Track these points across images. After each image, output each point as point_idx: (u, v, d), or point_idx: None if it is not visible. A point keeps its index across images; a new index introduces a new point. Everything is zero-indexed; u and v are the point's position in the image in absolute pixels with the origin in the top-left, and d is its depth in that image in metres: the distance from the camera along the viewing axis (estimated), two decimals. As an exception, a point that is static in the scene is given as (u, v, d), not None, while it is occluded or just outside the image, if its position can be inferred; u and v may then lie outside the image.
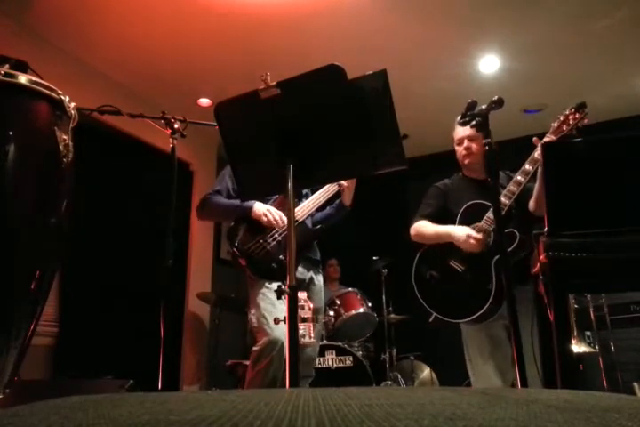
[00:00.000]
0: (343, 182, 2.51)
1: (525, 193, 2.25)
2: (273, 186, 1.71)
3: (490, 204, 2.21)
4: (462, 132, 2.41)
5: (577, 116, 2.17)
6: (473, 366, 2.30)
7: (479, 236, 2.23)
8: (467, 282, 2.29)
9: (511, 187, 2.22)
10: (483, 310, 2.17)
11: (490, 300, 2.17)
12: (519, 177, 2.22)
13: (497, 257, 2.20)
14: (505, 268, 1.83)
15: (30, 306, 1.39)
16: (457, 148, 2.51)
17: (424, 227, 2.43)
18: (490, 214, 2.23)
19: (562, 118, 2.20)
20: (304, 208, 2.47)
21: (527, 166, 2.22)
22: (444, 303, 2.32)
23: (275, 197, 2.51)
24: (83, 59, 3.86)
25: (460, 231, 2.29)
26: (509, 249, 2.15)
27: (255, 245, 2.37)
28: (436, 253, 2.41)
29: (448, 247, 2.35)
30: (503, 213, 2.15)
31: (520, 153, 2.59)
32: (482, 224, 2.26)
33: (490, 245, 2.26)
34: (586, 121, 2.18)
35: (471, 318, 2.20)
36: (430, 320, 2.34)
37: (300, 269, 2.43)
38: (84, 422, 0.43)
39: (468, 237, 2.24)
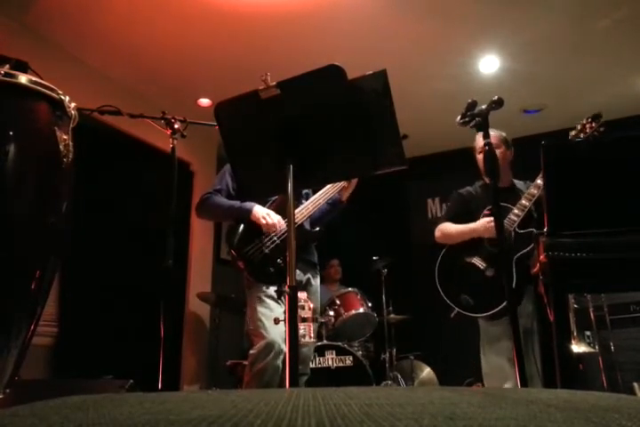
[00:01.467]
0: None
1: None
2: (273, 186, 1.71)
3: (511, 206, 2.34)
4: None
5: (593, 125, 2.30)
6: (487, 359, 2.39)
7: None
8: (488, 279, 2.37)
9: (532, 190, 2.33)
10: (502, 306, 2.24)
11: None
12: (539, 180, 2.31)
13: (518, 255, 2.30)
14: (505, 267, 1.85)
15: (30, 306, 1.39)
16: (479, 156, 2.56)
17: (448, 227, 2.58)
18: (512, 216, 2.33)
19: (579, 127, 2.33)
20: (303, 210, 2.46)
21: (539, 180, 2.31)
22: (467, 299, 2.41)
23: (274, 197, 2.50)
24: (83, 59, 3.86)
25: (479, 222, 2.44)
26: (528, 248, 2.27)
27: (253, 248, 2.36)
28: (458, 251, 2.52)
29: (471, 246, 2.46)
30: (523, 214, 2.32)
31: (520, 153, 2.60)
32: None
33: (512, 241, 2.35)
34: (602, 130, 2.27)
35: (491, 312, 2.29)
36: (452, 316, 2.44)
37: (296, 271, 2.42)
38: (84, 422, 0.43)
39: (488, 222, 2.36)
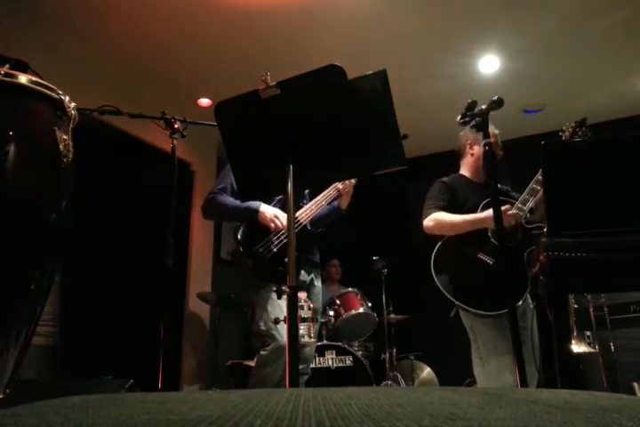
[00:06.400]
0: (340, 186, 2.50)
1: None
2: (273, 186, 1.70)
3: (509, 199, 2.33)
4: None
5: (584, 129, 2.34)
6: (484, 362, 2.27)
7: (511, 210, 2.27)
8: (496, 275, 2.24)
9: (534, 185, 2.30)
10: (519, 302, 2.17)
11: (527, 291, 2.19)
12: (540, 177, 2.27)
13: (529, 249, 2.24)
14: (504, 265, 1.84)
15: (30, 306, 1.39)
16: (473, 151, 2.56)
17: (446, 216, 2.39)
18: (518, 204, 2.30)
19: (570, 131, 2.35)
20: (307, 211, 2.45)
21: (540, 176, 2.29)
22: (473, 296, 2.28)
23: (279, 197, 2.49)
24: (83, 59, 3.86)
25: (487, 212, 2.26)
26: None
27: (262, 247, 2.34)
28: (460, 245, 2.39)
29: (475, 240, 2.34)
30: (527, 207, 2.29)
31: (520, 153, 2.60)
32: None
33: (521, 235, 2.30)
34: (589, 135, 2.33)
35: (503, 311, 2.10)
36: (451, 315, 2.34)
37: (301, 271, 2.42)
38: (84, 422, 0.43)
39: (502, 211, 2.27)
